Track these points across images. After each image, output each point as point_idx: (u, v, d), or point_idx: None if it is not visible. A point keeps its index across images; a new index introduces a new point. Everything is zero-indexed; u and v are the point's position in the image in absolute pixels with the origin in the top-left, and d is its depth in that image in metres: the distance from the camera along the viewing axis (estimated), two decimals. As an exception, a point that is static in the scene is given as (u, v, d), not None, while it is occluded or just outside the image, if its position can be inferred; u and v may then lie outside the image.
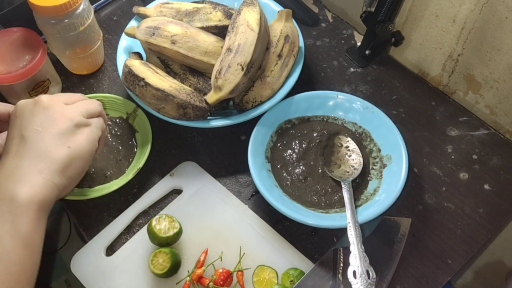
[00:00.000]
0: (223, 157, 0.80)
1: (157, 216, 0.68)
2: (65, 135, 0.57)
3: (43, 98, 0.58)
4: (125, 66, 0.75)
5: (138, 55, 0.81)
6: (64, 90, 0.87)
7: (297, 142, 0.77)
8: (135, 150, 0.78)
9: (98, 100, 0.75)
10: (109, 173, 0.75)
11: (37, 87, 0.80)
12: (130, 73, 0.74)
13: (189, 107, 0.72)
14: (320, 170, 0.74)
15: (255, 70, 0.75)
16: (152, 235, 0.67)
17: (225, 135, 0.82)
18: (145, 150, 0.75)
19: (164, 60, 0.80)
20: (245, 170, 0.74)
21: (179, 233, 0.68)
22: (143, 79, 0.73)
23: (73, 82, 0.88)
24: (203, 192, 0.75)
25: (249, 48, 0.72)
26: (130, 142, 0.79)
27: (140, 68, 0.74)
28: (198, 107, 0.72)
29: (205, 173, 0.77)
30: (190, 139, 0.82)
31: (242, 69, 0.71)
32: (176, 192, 0.76)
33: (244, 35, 0.72)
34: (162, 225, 0.67)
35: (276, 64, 0.77)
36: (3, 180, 0.52)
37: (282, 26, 0.79)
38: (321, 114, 0.79)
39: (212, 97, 0.73)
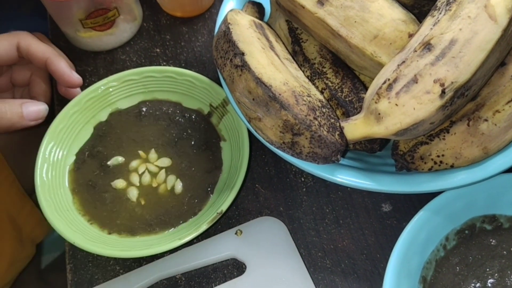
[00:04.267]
0: (339, 231, 0.43)
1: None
2: None
3: None
4: (225, 21, 0.41)
5: (258, 9, 0.47)
6: (143, 31, 0.57)
7: (496, 267, 0.37)
8: (219, 173, 0.45)
9: (166, 76, 0.44)
10: (166, 214, 0.43)
11: (94, 16, 0.50)
12: (225, 36, 0.40)
13: (304, 134, 0.36)
14: None
15: (466, 101, 0.35)
16: None
17: (354, 194, 0.45)
18: (235, 178, 0.42)
19: (295, 30, 0.44)
20: (375, 271, 0.37)
21: None
22: (242, 53, 0.38)
23: (157, 25, 0.57)
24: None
25: (474, 55, 0.32)
26: (211, 157, 0.46)
27: (246, 33, 0.40)
28: (322, 139, 0.36)
29: (295, 251, 0.42)
30: (293, 179, 0.46)
31: (443, 93, 0.32)
32: (235, 265, 0.42)
33: (471, 24, 0.33)
34: None
35: (512, 100, 0.36)
36: None
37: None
38: None
39: (357, 128, 0.36)
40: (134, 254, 0.39)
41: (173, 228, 0.42)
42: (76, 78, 0.45)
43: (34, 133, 0.46)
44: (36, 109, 0.41)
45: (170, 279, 0.42)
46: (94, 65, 0.55)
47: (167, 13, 0.58)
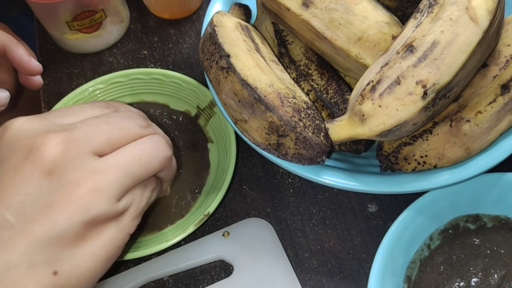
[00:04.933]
0: (326, 231, 0.43)
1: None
2: (55, 245, 0.27)
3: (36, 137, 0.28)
4: (211, 23, 0.42)
5: (244, 11, 0.47)
6: (130, 33, 0.57)
7: (480, 266, 0.38)
8: (206, 175, 0.45)
9: (153, 78, 0.45)
10: (153, 217, 0.43)
11: (81, 18, 0.50)
12: (211, 38, 0.40)
13: (290, 135, 0.36)
14: None
15: (448, 102, 0.36)
16: None
17: (340, 195, 0.45)
18: (222, 179, 0.42)
19: (281, 32, 0.44)
20: (361, 271, 0.38)
21: None
22: (228, 55, 0.38)
23: (145, 27, 0.57)
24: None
25: (455, 56, 0.33)
26: (199, 159, 0.46)
27: (231, 35, 0.40)
28: (307, 140, 0.36)
29: (282, 252, 0.42)
30: (280, 181, 0.46)
31: (425, 94, 0.33)
32: (223, 267, 0.43)
33: (453, 26, 0.33)
34: None
35: (494, 101, 0.37)
36: None
37: (531, 30, 0.38)
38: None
39: (342, 129, 0.36)
40: (120, 256, 0.39)
41: (160, 231, 0.42)
42: (34, 65, 0.43)
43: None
44: None
45: (157, 281, 0.42)
46: (81, 67, 0.55)
47: (155, 15, 0.58)
